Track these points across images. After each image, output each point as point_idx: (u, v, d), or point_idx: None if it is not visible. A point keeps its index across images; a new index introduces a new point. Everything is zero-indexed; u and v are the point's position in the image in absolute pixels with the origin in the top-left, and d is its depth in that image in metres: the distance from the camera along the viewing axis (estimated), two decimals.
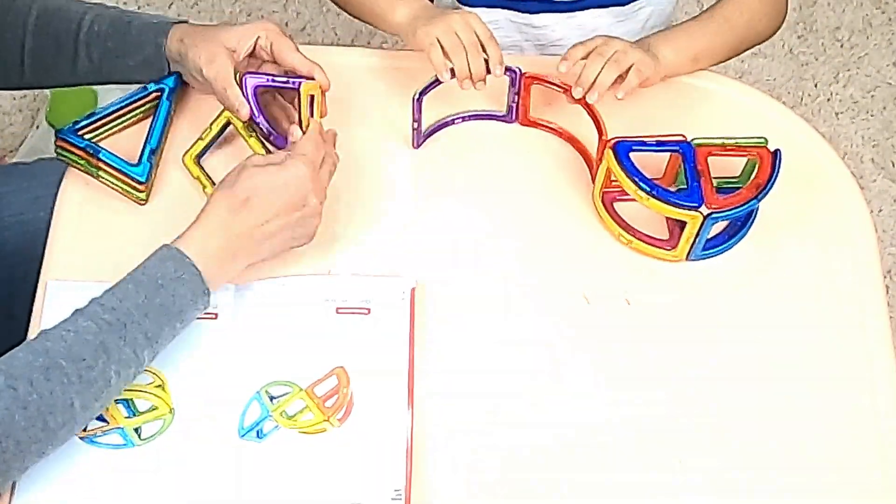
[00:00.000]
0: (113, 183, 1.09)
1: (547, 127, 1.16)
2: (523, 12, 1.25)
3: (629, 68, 1.08)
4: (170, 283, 0.95)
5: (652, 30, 1.28)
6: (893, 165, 1.98)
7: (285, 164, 1.00)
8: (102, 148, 1.08)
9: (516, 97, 1.14)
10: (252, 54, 1.10)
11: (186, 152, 1.11)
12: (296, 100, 1.08)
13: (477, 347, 1.04)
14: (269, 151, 1.09)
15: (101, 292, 0.95)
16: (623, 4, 1.24)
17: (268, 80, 1.08)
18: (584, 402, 1.02)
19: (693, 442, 1.00)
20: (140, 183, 1.08)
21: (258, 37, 1.08)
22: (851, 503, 0.99)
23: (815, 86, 2.06)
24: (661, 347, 1.05)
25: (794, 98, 2.04)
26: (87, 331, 0.92)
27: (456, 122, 1.16)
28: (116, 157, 1.08)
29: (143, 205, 1.10)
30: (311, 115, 1.07)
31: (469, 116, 1.16)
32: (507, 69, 1.11)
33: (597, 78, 1.07)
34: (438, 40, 1.08)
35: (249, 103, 1.06)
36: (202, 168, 1.11)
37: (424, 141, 1.15)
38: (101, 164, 1.08)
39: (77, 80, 1.14)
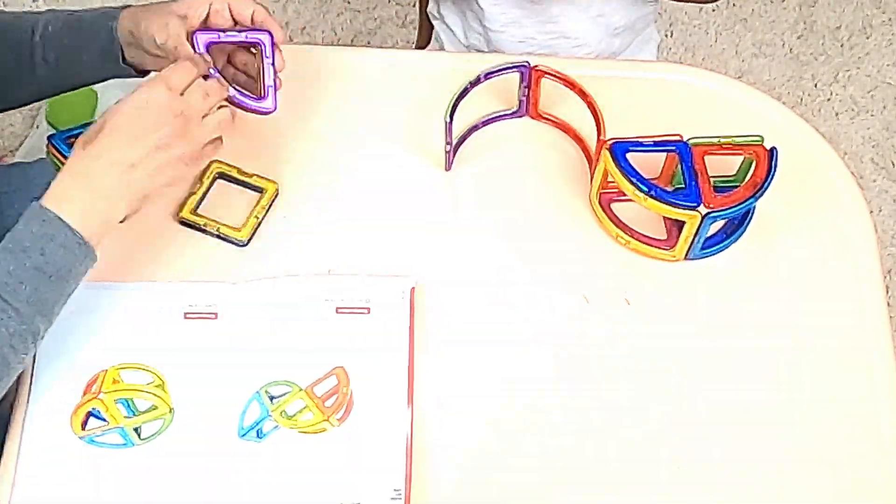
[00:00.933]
0: None
1: (554, 122, 1.16)
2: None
3: None
4: (36, 242, 0.91)
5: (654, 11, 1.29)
6: (893, 165, 1.98)
7: (138, 89, 0.96)
8: None
9: (527, 90, 1.14)
10: (206, 22, 1.06)
11: (182, 208, 1.09)
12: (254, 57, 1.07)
13: (476, 347, 1.04)
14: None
15: None
16: None
17: (219, 35, 1.05)
18: (583, 401, 1.02)
19: (693, 442, 1.00)
20: None
21: (210, 3, 1.05)
22: (851, 503, 0.99)
23: (815, 86, 2.06)
24: (660, 347, 1.05)
25: (794, 98, 2.04)
26: None
27: (472, 131, 1.16)
28: None
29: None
30: (274, 68, 1.05)
31: (485, 122, 1.16)
32: (517, 66, 1.11)
33: None
34: None
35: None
36: (203, 215, 1.09)
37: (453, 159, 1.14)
38: None
39: (38, 90, 1.13)
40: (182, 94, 0.96)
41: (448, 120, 1.07)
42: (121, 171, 0.94)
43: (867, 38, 2.10)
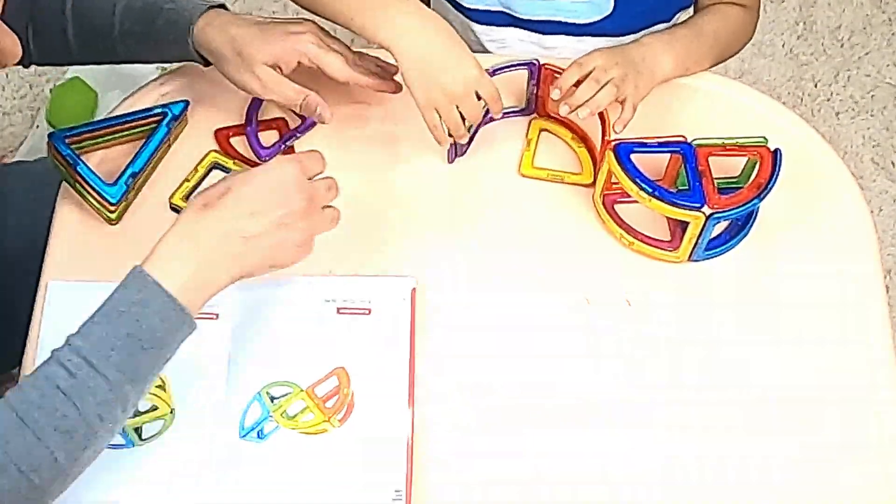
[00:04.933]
0: (86, 198, 1.08)
1: (561, 121, 1.16)
2: (534, 32, 1.24)
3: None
4: (133, 308, 0.86)
5: None
6: (893, 165, 1.98)
7: (269, 163, 0.93)
8: (81, 160, 1.07)
9: (535, 88, 1.14)
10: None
11: (174, 193, 1.09)
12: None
13: (477, 348, 1.04)
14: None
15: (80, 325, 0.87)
16: (634, 32, 1.24)
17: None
18: (584, 402, 1.02)
19: (695, 442, 1.00)
20: (111, 203, 1.06)
21: (301, 57, 1.05)
22: (851, 503, 0.99)
23: (815, 86, 2.05)
24: (662, 349, 1.04)
25: (794, 98, 2.04)
26: (56, 376, 0.84)
27: (479, 126, 1.14)
28: (93, 172, 1.07)
29: (114, 225, 1.08)
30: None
31: (491, 118, 1.15)
32: (526, 63, 1.11)
33: (591, 98, 1.06)
34: (437, 111, 1.04)
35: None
36: None
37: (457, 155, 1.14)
38: (76, 177, 1.07)
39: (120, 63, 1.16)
40: (310, 179, 0.94)
41: None
42: (235, 242, 0.89)
43: (867, 38, 2.10)
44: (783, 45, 2.09)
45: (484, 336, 1.05)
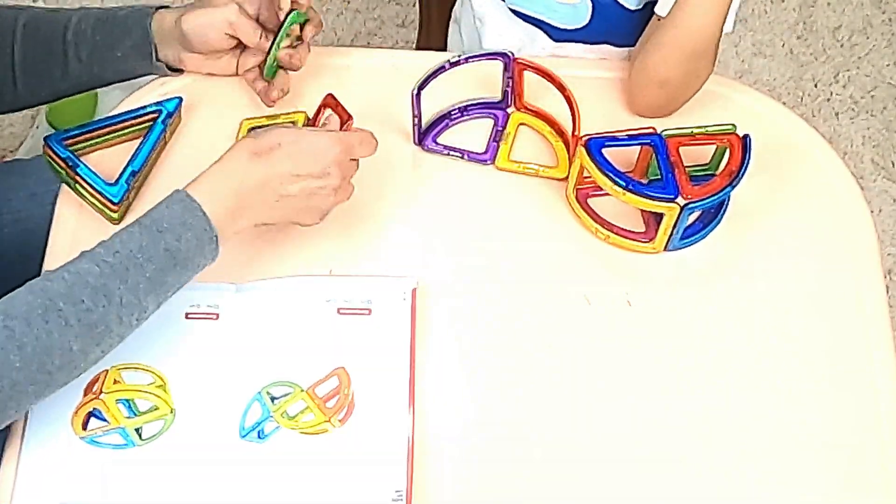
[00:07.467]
0: (88, 199, 1.08)
1: (540, 114, 1.16)
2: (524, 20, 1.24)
3: None
4: (175, 227, 0.93)
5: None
6: (893, 165, 1.98)
7: (319, 131, 1.00)
8: (81, 162, 1.07)
9: (510, 81, 1.14)
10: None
11: (245, 119, 1.13)
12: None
13: (478, 348, 1.04)
14: None
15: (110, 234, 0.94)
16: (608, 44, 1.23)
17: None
18: (584, 401, 1.02)
19: (694, 443, 1.00)
20: (113, 203, 1.06)
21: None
22: (851, 503, 0.99)
23: (815, 86, 2.06)
24: (662, 347, 1.05)
25: (794, 98, 2.04)
26: (88, 273, 0.90)
27: (453, 115, 1.15)
28: (94, 173, 1.07)
29: (117, 224, 1.08)
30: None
31: (466, 107, 1.15)
32: (499, 54, 1.11)
33: None
34: None
35: None
36: None
37: (426, 136, 1.15)
38: (77, 178, 1.07)
39: (69, 86, 1.14)
40: (352, 160, 1.02)
41: (416, 92, 1.08)
42: (274, 196, 0.98)
43: (867, 38, 2.11)
44: (783, 45, 2.09)
45: (484, 336, 1.05)
